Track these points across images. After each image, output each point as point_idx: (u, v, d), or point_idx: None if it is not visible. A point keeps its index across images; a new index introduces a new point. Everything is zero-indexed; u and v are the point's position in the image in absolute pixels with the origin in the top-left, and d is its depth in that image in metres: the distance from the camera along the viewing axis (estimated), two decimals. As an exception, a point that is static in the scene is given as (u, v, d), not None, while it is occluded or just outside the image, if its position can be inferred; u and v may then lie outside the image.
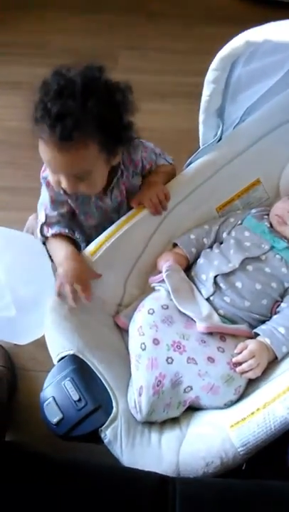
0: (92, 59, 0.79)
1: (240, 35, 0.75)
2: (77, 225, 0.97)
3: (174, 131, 1.58)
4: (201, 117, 0.93)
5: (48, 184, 0.88)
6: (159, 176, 0.97)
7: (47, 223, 0.91)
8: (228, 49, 0.76)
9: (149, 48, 1.91)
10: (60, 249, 0.89)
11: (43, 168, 0.89)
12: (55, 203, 0.91)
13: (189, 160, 0.99)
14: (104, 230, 0.92)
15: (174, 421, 0.78)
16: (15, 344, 1.05)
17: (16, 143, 1.55)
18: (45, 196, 0.91)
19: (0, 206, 1.36)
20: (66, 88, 0.74)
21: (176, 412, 0.77)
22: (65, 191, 0.83)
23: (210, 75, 0.84)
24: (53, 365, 0.80)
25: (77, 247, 0.94)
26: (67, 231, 0.91)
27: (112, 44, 1.88)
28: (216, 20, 2.01)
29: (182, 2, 2.12)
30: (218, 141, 0.98)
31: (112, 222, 0.94)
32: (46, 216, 0.91)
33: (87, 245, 0.92)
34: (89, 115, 0.74)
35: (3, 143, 1.56)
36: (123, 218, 0.93)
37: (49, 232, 0.90)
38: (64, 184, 0.80)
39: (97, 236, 0.91)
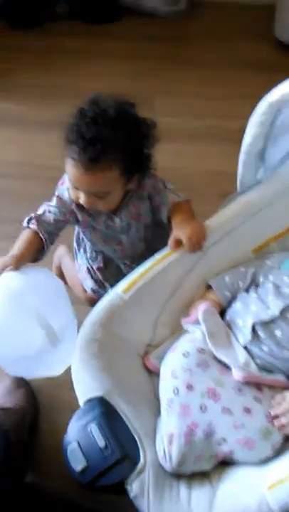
0: (126, 96, 0.88)
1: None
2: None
3: (205, 173, 1.59)
4: (242, 158, 0.93)
5: (59, 198, 0.96)
6: (188, 214, 0.95)
7: (38, 220, 0.94)
8: (278, 94, 0.77)
9: (184, 93, 1.98)
10: (23, 241, 0.92)
11: (60, 182, 0.98)
12: (59, 210, 0.96)
13: (226, 200, 0.98)
14: (113, 252, 1.01)
15: (204, 475, 0.72)
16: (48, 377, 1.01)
17: (50, 178, 1.58)
18: (52, 202, 0.97)
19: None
20: (101, 116, 0.83)
21: (207, 465, 0.72)
22: (79, 206, 0.93)
23: (256, 118, 0.84)
24: (78, 405, 0.76)
25: (41, 249, 0.95)
26: (43, 235, 0.93)
27: (148, 88, 1.95)
28: (250, 67, 2.08)
29: (217, 50, 2.21)
30: (257, 182, 0.97)
31: (120, 244, 1.01)
32: (43, 214, 0.96)
33: (92, 260, 1.02)
34: (117, 143, 0.83)
35: (44, 179, 1.59)
36: (157, 257, 0.92)
37: (32, 226, 0.94)
38: (82, 200, 0.89)
39: (99, 255, 1.01)
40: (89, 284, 1.14)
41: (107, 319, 0.85)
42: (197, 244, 0.91)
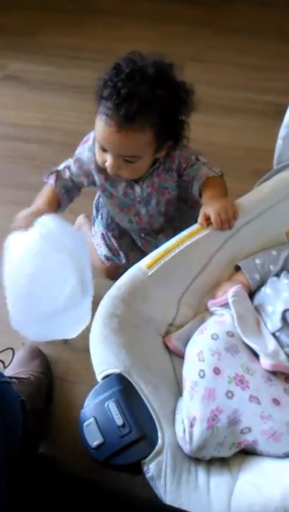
0: (163, 56, 0.82)
1: None
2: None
3: (238, 148, 1.51)
4: (283, 132, 0.87)
5: (77, 158, 0.93)
6: (219, 190, 0.91)
7: (58, 176, 0.93)
8: None
9: (217, 62, 1.87)
10: (42, 196, 0.92)
11: (84, 140, 0.94)
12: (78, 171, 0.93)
13: (263, 178, 0.92)
14: (129, 222, 0.97)
15: (223, 462, 0.70)
16: (64, 341, 1.02)
17: (73, 145, 1.54)
18: (70, 161, 0.95)
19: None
20: (138, 73, 0.78)
21: (227, 452, 0.69)
22: (97, 167, 0.88)
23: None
24: (94, 380, 0.74)
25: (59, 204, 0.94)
26: (60, 191, 0.92)
27: (180, 54, 1.85)
28: (287, 38, 1.95)
29: (254, 19, 2.08)
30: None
31: (138, 215, 0.97)
32: (63, 170, 0.94)
33: (107, 227, 1.01)
34: (154, 103, 0.78)
35: (63, 145, 1.55)
36: (184, 233, 0.87)
37: (51, 181, 0.93)
38: (108, 163, 0.83)
39: (114, 224, 0.99)
40: (103, 251, 1.12)
41: (129, 294, 0.81)
42: (227, 222, 0.86)
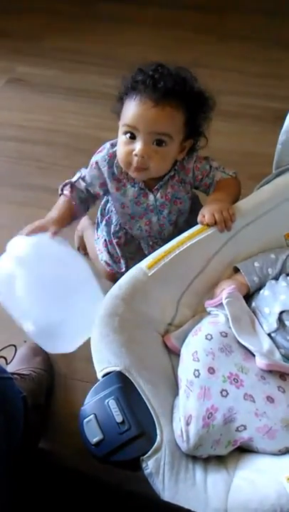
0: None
1: None
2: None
3: (237, 153, 1.53)
4: (282, 137, 0.88)
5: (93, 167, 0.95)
6: (223, 193, 0.93)
7: (72, 187, 0.95)
8: None
9: (218, 68, 1.89)
10: (57, 208, 0.94)
11: (98, 150, 0.95)
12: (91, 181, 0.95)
13: (262, 182, 0.94)
14: (138, 229, 0.97)
15: (220, 460, 0.71)
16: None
17: (77, 148, 1.56)
18: (87, 169, 0.97)
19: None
20: (164, 68, 0.83)
21: (224, 450, 0.70)
22: (113, 175, 0.90)
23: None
24: (94, 378, 0.75)
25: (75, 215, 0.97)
26: (75, 202, 0.95)
27: (181, 60, 1.87)
28: (288, 46, 1.97)
29: (255, 26, 2.10)
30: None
31: (149, 223, 0.98)
32: (77, 181, 0.96)
33: (114, 234, 1.01)
34: (184, 88, 0.83)
35: (67, 147, 1.57)
36: (185, 234, 0.89)
37: (66, 192, 0.95)
38: (138, 149, 0.83)
39: (122, 231, 0.99)
40: (103, 257, 1.13)
41: (130, 294, 0.83)
42: (222, 222, 0.88)
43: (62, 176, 1.49)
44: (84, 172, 0.96)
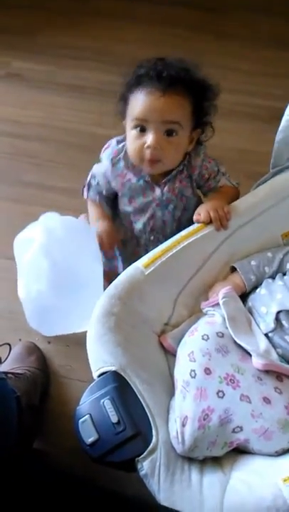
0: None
1: None
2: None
3: (233, 151, 1.52)
4: (279, 137, 0.88)
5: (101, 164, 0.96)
6: (221, 194, 0.94)
7: (89, 188, 0.99)
8: None
9: (215, 66, 1.88)
10: (91, 212, 1.00)
11: (105, 146, 0.96)
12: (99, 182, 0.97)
13: (259, 181, 0.94)
14: (141, 225, 0.97)
15: (216, 461, 0.70)
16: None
17: (75, 145, 1.55)
18: (97, 167, 0.98)
19: (56, 206, 1.35)
20: (165, 62, 0.83)
21: (219, 451, 0.70)
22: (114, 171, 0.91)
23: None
24: (90, 377, 0.74)
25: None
26: (97, 199, 0.99)
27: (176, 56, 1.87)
28: (285, 45, 1.97)
29: (253, 25, 2.10)
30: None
31: (152, 218, 0.97)
32: (89, 180, 0.99)
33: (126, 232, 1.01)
34: (189, 75, 0.82)
35: (62, 142, 1.56)
36: (182, 234, 0.88)
37: (85, 194, 1.00)
38: (150, 140, 0.82)
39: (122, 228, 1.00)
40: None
41: (126, 293, 0.82)
42: (217, 220, 0.87)
43: (57, 172, 1.49)
44: (93, 170, 0.98)
